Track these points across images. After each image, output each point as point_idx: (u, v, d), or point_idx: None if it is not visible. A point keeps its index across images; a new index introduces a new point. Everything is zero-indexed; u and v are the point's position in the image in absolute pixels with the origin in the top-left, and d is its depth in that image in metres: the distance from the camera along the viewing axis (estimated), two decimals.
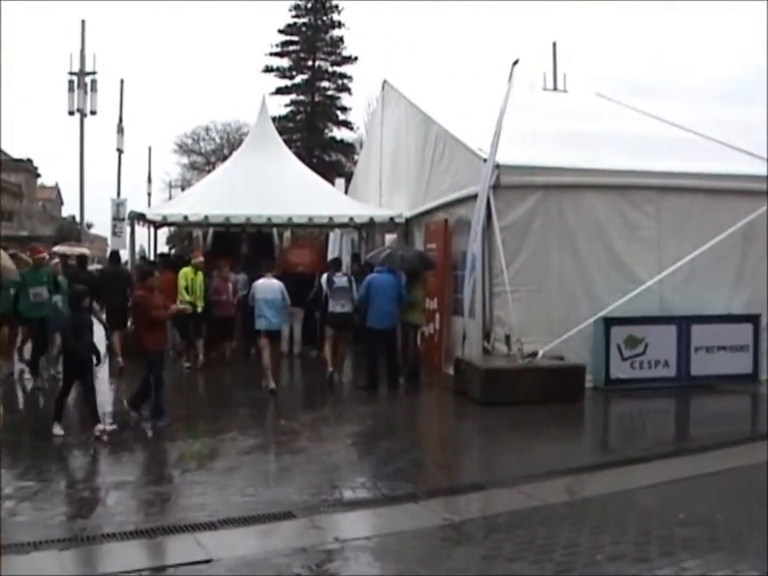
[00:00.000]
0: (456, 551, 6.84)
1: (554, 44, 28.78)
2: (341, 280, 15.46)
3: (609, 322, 13.99)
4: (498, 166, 13.96)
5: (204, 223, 20.57)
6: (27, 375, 15.16)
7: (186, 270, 16.92)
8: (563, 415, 12.18)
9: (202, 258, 17.37)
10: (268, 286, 14.73)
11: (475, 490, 8.57)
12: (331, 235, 27.46)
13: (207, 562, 6.53)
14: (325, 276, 15.99)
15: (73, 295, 11.17)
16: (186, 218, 19.43)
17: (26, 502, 7.96)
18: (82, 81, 27.96)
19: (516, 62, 14.55)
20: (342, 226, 22.46)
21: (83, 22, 28.03)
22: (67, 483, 8.96)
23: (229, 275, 17.81)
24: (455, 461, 10.29)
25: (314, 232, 28.63)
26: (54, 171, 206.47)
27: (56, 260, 16.52)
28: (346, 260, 22.01)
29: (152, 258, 23.46)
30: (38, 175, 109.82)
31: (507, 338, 13.79)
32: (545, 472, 9.04)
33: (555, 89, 25.24)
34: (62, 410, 10.91)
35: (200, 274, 17.06)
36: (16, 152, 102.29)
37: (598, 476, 9.15)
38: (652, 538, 6.84)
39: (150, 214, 20.19)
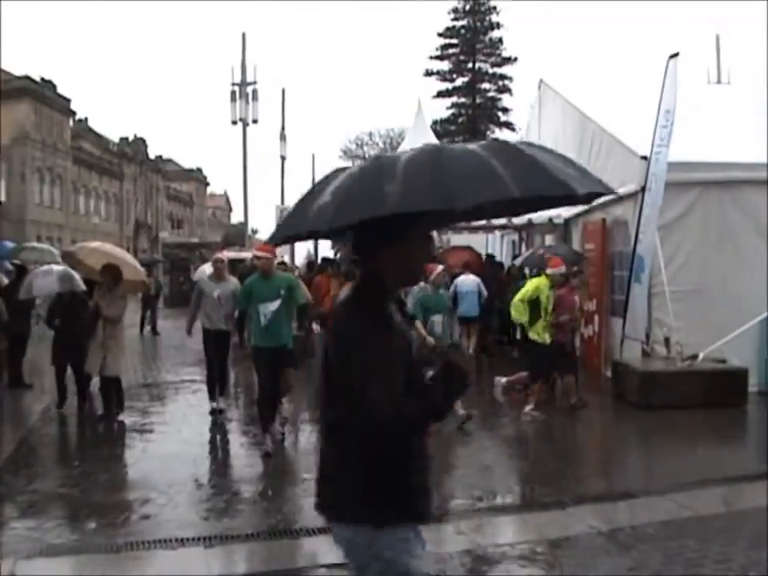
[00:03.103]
0: (602, 561, 6.65)
1: (717, 36, 27.88)
2: None
3: None
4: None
5: None
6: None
7: (540, 283, 12.54)
8: (724, 421, 11.65)
9: (563, 269, 12.74)
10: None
11: (626, 497, 8.32)
12: (490, 237, 27.31)
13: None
14: None
15: None
16: None
17: None
18: (243, 91, 28.75)
19: (675, 56, 14.07)
20: (500, 227, 22.30)
21: (244, 34, 28.92)
22: None
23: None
24: (607, 467, 10.05)
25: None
26: (223, 179, 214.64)
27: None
28: (507, 262, 21.90)
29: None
30: (208, 184, 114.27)
31: (666, 340, 13.37)
32: (700, 480, 8.70)
33: (719, 82, 24.34)
34: None
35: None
36: (187, 162, 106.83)
37: (758, 486, 8.71)
38: None
39: None
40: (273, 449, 10.09)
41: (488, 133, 64.78)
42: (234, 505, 8.19)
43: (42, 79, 64.14)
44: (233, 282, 12.54)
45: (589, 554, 6.79)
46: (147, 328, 26.81)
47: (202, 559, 6.76)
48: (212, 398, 12.84)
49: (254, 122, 28.90)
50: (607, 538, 7.11)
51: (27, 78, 61.46)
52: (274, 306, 10.05)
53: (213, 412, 12.58)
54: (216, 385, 12.82)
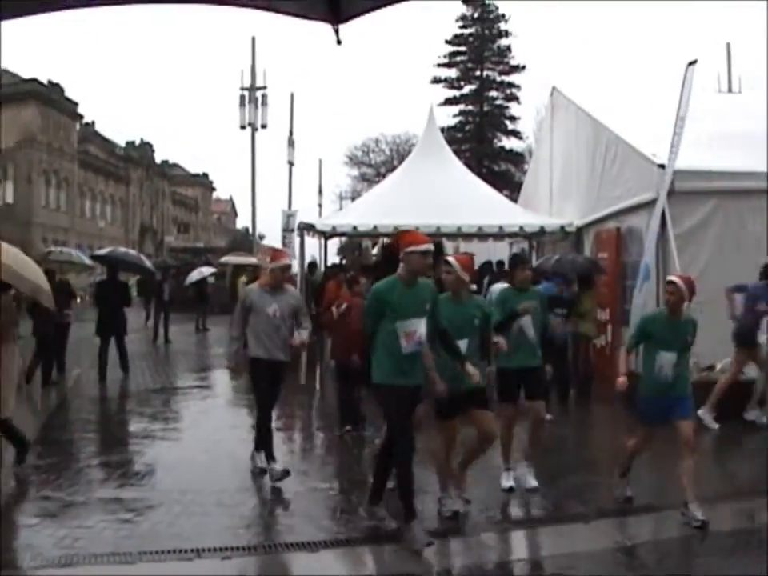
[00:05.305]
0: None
1: (728, 44, 27.56)
2: None
3: None
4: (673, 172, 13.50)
5: (373, 233, 20.62)
6: None
7: None
8: (741, 432, 11.54)
9: None
10: None
11: (648, 511, 8.20)
12: (499, 245, 27.04)
13: None
14: None
15: None
16: (355, 227, 19.46)
17: None
18: (252, 96, 28.67)
19: (693, 63, 13.97)
20: (512, 235, 22.14)
21: (253, 38, 28.87)
22: None
23: None
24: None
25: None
26: (229, 184, 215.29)
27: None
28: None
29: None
30: (214, 189, 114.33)
31: None
32: (721, 494, 8.58)
33: (730, 90, 24.12)
34: None
35: None
36: (193, 167, 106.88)
37: None
38: None
39: (320, 225, 20.37)
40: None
41: (495, 141, 64.76)
42: (253, 515, 8.06)
43: (50, 82, 64.35)
44: (293, 292, 9.78)
45: (614, 569, 6.68)
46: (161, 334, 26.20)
47: (218, 571, 6.61)
48: (269, 454, 9.39)
49: (263, 126, 28.85)
50: (632, 553, 7.01)
51: (35, 80, 61.67)
52: (422, 325, 7.19)
53: (263, 472, 9.38)
54: (269, 439, 9.52)
